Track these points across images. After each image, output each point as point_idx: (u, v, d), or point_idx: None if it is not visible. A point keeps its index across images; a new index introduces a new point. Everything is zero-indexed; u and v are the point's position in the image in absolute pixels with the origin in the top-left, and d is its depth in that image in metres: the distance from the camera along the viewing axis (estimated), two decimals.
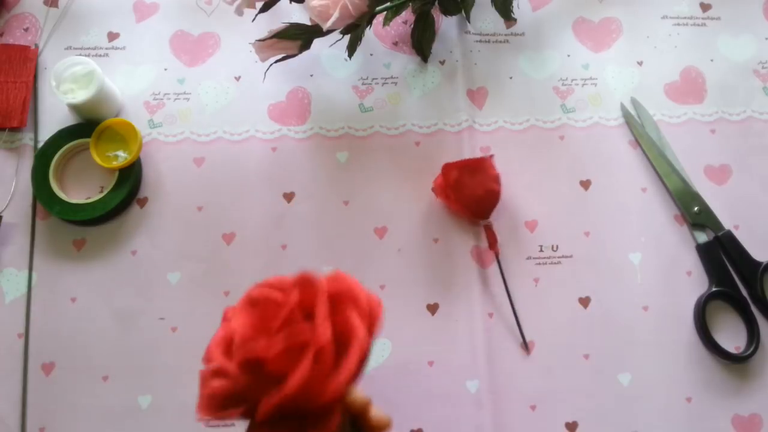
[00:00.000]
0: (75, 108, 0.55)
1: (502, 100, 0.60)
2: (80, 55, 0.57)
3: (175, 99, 0.59)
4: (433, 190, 0.54)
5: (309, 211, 0.55)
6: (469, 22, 0.62)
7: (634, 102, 0.60)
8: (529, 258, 0.54)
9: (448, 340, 0.51)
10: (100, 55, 0.60)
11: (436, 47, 0.61)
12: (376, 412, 0.37)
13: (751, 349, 0.51)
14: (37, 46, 0.59)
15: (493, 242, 0.53)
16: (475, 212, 0.53)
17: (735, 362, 0.51)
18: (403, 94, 0.60)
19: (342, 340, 0.31)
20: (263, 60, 0.56)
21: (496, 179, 0.53)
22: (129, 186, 0.53)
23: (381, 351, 0.51)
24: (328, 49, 0.60)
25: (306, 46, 0.56)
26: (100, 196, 0.54)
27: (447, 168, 0.53)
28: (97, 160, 0.54)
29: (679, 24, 0.64)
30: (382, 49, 0.62)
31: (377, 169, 0.55)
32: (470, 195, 0.52)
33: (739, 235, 0.54)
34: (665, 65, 0.62)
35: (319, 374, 0.30)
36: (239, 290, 0.51)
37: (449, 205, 0.54)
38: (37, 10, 0.62)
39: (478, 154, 0.57)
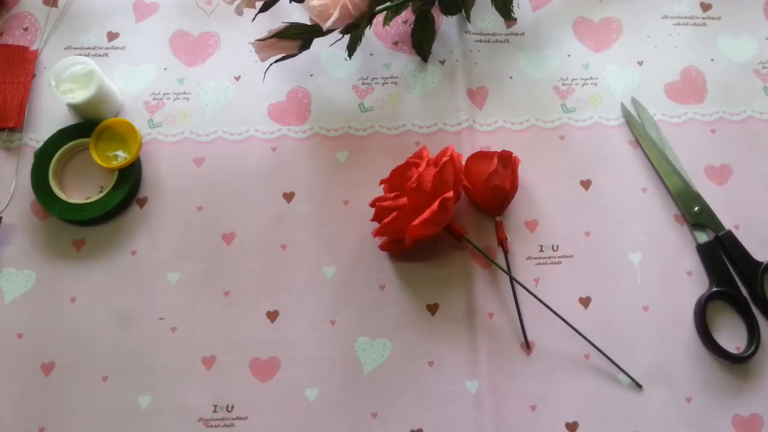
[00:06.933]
0: (74, 108, 0.55)
1: (502, 99, 0.60)
2: (80, 54, 0.57)
3: (175, 99, 0.59)
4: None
5: (309, 211, 0.55)
6: (469, 21, 0.62)
7: (635, 102, 0.60)
8: (529, 258, 0.54)
9: (448, 340, 0.51)
10: (100, 55, 0.60)
11: (436, 47, 0.61)
12: None
13: (752, 349, 0.51)
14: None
15: (503, 239, 0.53)
16: (493, 206, 0.53)
17: (735, 362, 0.51)
18: (403, 94, 0.60)
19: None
20: (263, 60, 0.56)
21: (517, 176, 0.54)
22: (129, 186, 0.53)
23: (381, 351, 0.51)
24: (328, 48, 0.60)
25: (306, 45, 0.56)
26: (100, 196, 0.54)
27: (484, 155, 0.53)
28: (97, 160, 0.54)
29: (679, 24, 0.64)
30: (382, 48, 0.62)
31: (377, 169, 0.55)
32: (499, 186, 0.52)
33: (739, 235, 0.54)
34: (665, 65, 0.62)
35: (412, 203, 0.49)
36: (239, 290, 0.52)
37: (470, 193, 0.54)
38: (36, 10, 0.62)
39: None
